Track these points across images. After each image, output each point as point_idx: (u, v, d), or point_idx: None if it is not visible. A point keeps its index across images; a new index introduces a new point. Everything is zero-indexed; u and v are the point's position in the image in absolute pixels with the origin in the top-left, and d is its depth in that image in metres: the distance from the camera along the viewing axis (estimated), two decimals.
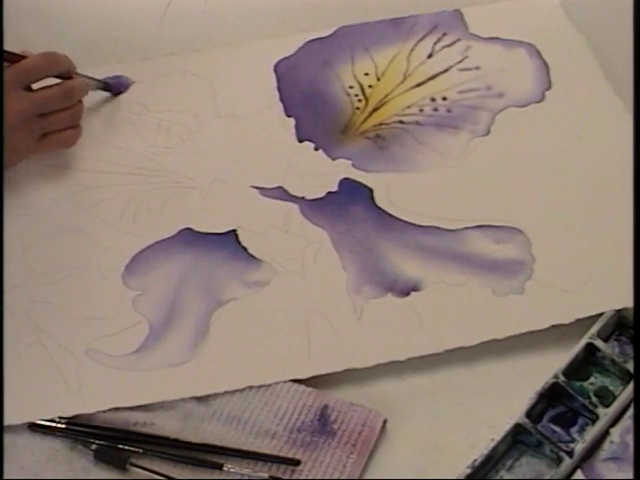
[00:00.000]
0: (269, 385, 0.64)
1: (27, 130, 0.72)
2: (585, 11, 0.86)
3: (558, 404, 0.63)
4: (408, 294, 0.68)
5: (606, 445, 0.61)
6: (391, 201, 0.73)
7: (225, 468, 0.61)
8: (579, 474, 0.60)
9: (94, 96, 0.81)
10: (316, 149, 0.78)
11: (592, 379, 0.64)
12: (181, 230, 0.73)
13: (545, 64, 0.82)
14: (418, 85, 0.82)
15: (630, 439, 0.61)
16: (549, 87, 0.81)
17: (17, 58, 0.71)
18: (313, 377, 0.64)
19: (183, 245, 0.72)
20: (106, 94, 0.82)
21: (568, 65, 0.82)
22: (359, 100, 0.81)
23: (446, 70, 0.83)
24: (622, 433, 0.61)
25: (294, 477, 0.61)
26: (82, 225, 0.73)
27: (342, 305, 0.68)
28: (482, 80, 0.82)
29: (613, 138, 0.77)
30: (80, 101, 0.76)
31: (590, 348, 0.64)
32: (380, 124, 0.79)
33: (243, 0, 0.90)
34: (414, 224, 0.72)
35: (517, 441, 0.62)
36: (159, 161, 0.77)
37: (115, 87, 0.81)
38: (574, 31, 0.85)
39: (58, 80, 0.74)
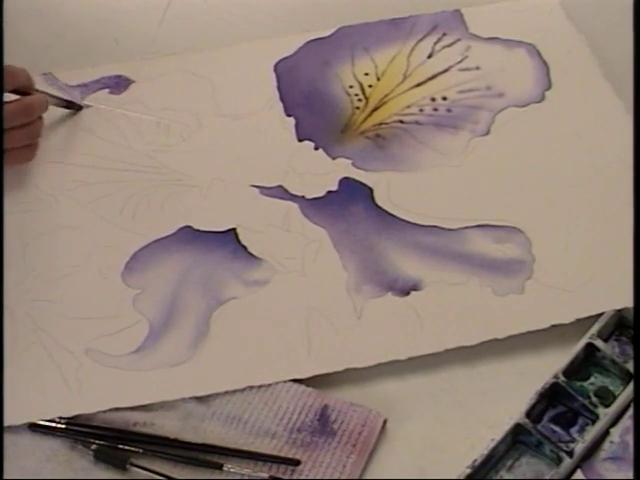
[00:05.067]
0: (269, 385, 0.64)
1: None
2: (585, 11, 0.86)
3: (558, 404, 0.63)
4: (408, 293, 0.68)
5: (606, 445, 0.61)
6: (391, 200, 0.73)
7: (225, 468, 0.61)
8: (579, 474, 0.60)
9: (94, 94, 0.81)
10: (316, 148, 0.78)
11: (592, 379, 0.64)
12: (181, 228, 0.73)
13: (545, 64, 0.82)
14: (418, 85, 0.82)
15: (630, 439, 0.60)
16: (549, 87, 0.81)
17: None
18: (313, 377, 0.64)
19: (183, 243, 0.72)
20: (105, 93, 0.81)
21: (568, 65, 0.82)
22: (359, 100, 0.81)
23: (446, 70, 0.83)
24: (622, 433, 0.61)
25: (294, 477, 0.60)
26: (81, 222, 0.73)
27: (342, 304, 0.68)
28: (482, 80, 0.82)
29: (613, 138, 0.77)
30: (40, 117, 0.75)
31: (590, 348, 0.64)
32: (380, 124, 0.79)
33: (243, 0, 0.90)
34: (414, 223, 0.72)
35: (517, 441, 0.62)
36: (159, 159, 0.77)
37: (76, 104, 0.80)
38: (574, 31, 0.85)
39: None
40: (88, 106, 0.81)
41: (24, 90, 0.73)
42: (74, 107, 0.80)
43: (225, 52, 0.85)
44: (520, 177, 0.75)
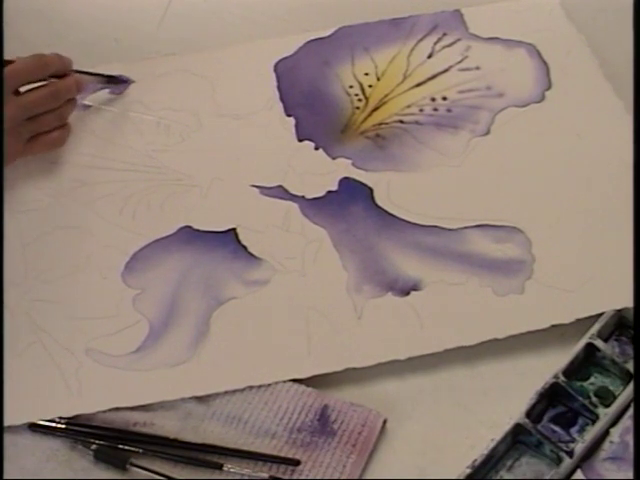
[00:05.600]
0: (269, 385, 0.64)
1: (16, 134, 0.71)
2: (585, 11, 0.86)
3: (558, 404, 0.63)
4: (408, 293, 0.68)
5: (606, 445, 0.61)
6: (391, 200, 0.73)
7: (225, 468, 0.61)
8: (579, 474, 0.60)
9: (94, 94, 0.81)
10: (316, 148, 0.78)
11: (592, 379, 0.64)
12: (181, 228, 0.73)
13: (545, 64, 0.82)
14: (418, 85, 0.82)
15: (630, 439, 0.60)
16: (549, 87, 0.81)
17: (5, 62, 0.70)
18: (313, 377, 0.64)
19: (183, 243, 0.72)
20: (105, 92, 0.81)
21: (568, 65, 0.82)
22: (359, 100, 0.81)
23: (446, 70, 0.83)
24: (622, 433, 0.61)
25: (294, 477, 0.60)
26: (81, 222, 0.73)
27: (342, 304, 0.68)
28: (482, 80, 0.82)
29: (613, 138, 0.77)
30: (73, 99, 0.76)
31: (590, 348, 0.64)
32: (380, 124, 0.79)
33: (243, 0, 0.90)
34: (414, 223, 0.72)
35: (517, 441, 0.62)
36: (159, 158, 0.77)
37: (119, 78, 0.81)
38: (574, 31, 0.85)
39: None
40: (89, 107, 0.81)
41: (59, 75, 0.74)
42: (117, 82, 0.80)
43: (225, 52, 0.85)
44: (520, 177, 0.75)
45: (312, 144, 0.78)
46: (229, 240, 0.72)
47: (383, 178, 0.75)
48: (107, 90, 0.82)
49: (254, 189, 0.75)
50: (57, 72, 0.74)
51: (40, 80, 0.73)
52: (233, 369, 0.65)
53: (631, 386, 0.62)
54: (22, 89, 0.72)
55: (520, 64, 0.83)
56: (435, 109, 0.80)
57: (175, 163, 0.77)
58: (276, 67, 0.83)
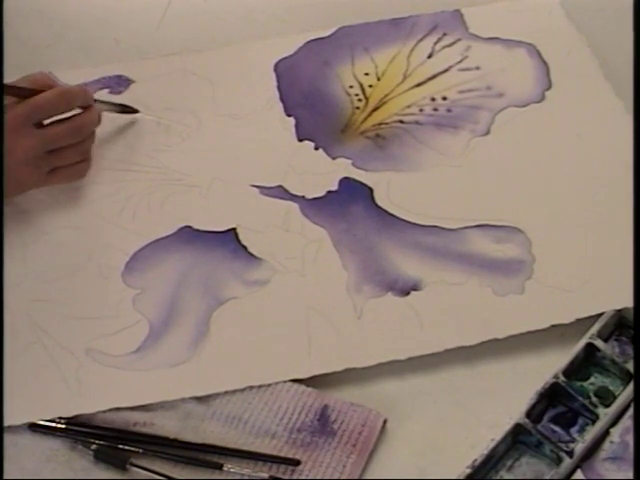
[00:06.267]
0: (269, 385, 0.64)
1: (34, 166, 0.70)
2: (585, 11, 0.86)
3: (558, 404, 0.63)
4: (408, 293, 0.68)
5: (606, 445, 0.61)
6: (391, 200, 0.74)
7: (225, 468, 0.61)
8: (579, 474, 0.60)
9: (94, 94, 0.81)
10: (316, 148, 0.78)
11: (592, 379, 0.64)
12: (181, 228, 0.73)
13: (545, 64, 0.83)
14: (418, 85, 0.82)
15: (630, 439, 0.60)
16: (549, 87, 0.81)
17: (30, 93, 0.69)
18: (313, 377, 0.64)
19: (183, 243, 0.72)
20: (105, 93, 0.81)
21: (568, 65, 0.82)
22: (359, 100, 0.81)
23: (446, 70, 0.83)
24: (622, 433, 0.61)
25: (294, 477, 0.61)
26: (81, 222, 0.73)
27: (342, 304, 0.68)
28: (482, 80, 0.82)
29: (613, 138, 0.77)
30: (92, 132, 0.75)
31: (590, 348, 0.64)
32: (380, 124, 0.79)
33: (243, 0, 0.90)
34: (414, 223, 0.72)
35: (517, 441, 0.62)
36: (159, 159, 0.77)
37: (131, 108, 0.80)
38: (574, 31, 0.85)
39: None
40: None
41: (81, 106, 0.73)
42: (129, 111, 0.79)
43: (225, 52, 0.85)
44: (520, 177, 0.75)
45: (312, 144, 0.78)
46: (229, 240, 0.72)
47: (383, 178, 0.75)
48: (107, 90, 0.82)
49: (254, 189, 0.75)
50: (81, 104, 0.73)
51: (60, 114, 0.71)
52: (233, 369, 0.65)
53: (631, 386, 0.62)
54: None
55: (520, 64, 0.83)
56: (435, 109, 0.80)
57: (175, 163, 0.77)
58: (276, 67, 0.83)
